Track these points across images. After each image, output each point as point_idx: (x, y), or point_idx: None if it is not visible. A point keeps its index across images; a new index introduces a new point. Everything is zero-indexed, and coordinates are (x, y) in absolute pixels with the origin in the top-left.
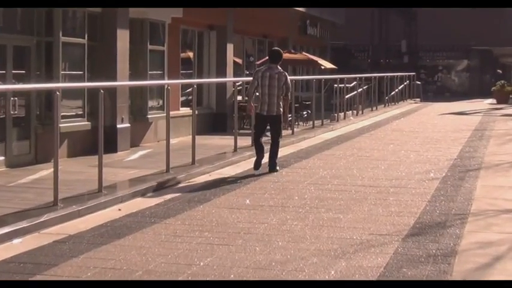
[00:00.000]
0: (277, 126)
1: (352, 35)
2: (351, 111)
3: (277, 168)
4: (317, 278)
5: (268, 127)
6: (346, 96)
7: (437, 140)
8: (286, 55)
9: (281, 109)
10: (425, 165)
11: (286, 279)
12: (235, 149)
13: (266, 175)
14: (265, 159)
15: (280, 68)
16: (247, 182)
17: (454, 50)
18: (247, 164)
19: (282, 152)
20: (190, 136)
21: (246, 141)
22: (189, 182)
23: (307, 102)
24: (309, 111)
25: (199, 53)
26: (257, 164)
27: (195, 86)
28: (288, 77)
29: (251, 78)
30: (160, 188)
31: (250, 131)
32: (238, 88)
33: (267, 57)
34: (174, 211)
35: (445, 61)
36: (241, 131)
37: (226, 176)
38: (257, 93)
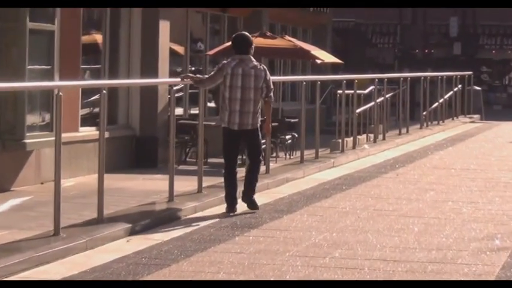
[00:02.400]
0: (255, 143)
1: (368, 8)
2: (365, 136)
3: (257, 202)
4: None
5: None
6: (358, 111)
7: (507, 184)
8: (258, 41)
9: (259, 119)
10: (486, 227)
11: None
12: (171, 197)
13: (222, 239)
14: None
15: (254, 59)
16: (190, 253)
17: None
18: (192, 222)
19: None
20: (96, 175)
21: (190, 182)
22: (88, 255)
23: (293, 120)
24: (295, 135)
25: (113, 37)
26: (231, 201)
27: (104, 91)
28: (268, 72)
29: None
30: (45, 263)
31: (196, 166)
32: (177, 95)
33: (230, 44)
34: None
35: None
36: (182, 167)
37: (156, 243)
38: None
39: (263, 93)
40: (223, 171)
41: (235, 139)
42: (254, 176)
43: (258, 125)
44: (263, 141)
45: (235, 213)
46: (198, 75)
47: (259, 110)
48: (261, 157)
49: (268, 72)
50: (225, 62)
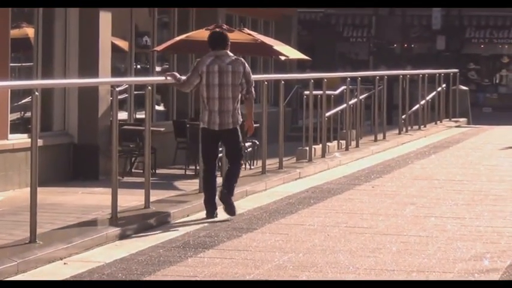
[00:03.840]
0: (235, 142)
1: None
2: (335, 142)
3: (235, 206)
4: None
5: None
6: (327, 114)
7: (497, 196)
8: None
9: (239, 117)
10: (474, 246)
11: None
12: (114, 213)
13: (173, 261)
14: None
15: (231, 54)
16: (136, 277)
17: None
18: (138, 242)
19: (202, 220)
20: (29, 189)
21: (136, 197)
22: (18, 281)
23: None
24: (256, 142)
25: (47, 30)
26: (210, 205)
27: (36, 93)
28: (247, 65)
29: (154, 78)
30: None
31: (143, 178)
32: (121, 97)
33: (181, 40)
34: None
35: None
36: (127, 179)
37: (97, 265)
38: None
39: (243, 89)
40: (202, 174)
41: (214, 140)
42: (234, 175)
43: (239, 124)
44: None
45: (215, 219)
46: (181, 77)
47: (239, 107)
48: (241, 158)
49: (247, 66)
50: (199, 60)
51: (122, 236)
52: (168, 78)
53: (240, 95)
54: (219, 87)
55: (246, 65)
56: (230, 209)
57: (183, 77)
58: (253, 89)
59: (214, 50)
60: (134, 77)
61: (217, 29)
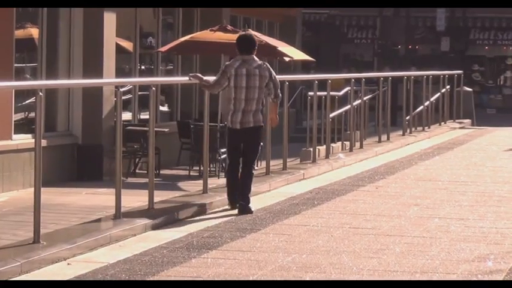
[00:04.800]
0: (253, 143)
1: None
2: (339, 144)
3: (251, 207)
4: None
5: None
6: (332, 115)
7: (501, 198)
8: (217, 36)
9: (261, 118)
10: (478, 247)
11: None
12: (118, 214)
13: (176, 262)
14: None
15: (258, 59)
16: (139, 277)
17: None
18: (141, 242)
19: (205, 221)
20: (32, 189)
21: (140, 197)
22: (22, 281)
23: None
24: (261, 143)
25: (51, 31)
26: (233, 199)
27: (41, 93)
28: (272, 70)
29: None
30: None
31: (147, 179)
32: (125, 97)
33: (186, 40)
34: None
35: None
36: (131, 180)
37: (100, 266)
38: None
39: (271, 94)
40: (227, 169)
41: (238, 139)
42: (248, 181)
43: (261, 124)
44: (223, 150)
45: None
46: (208, 78)
47: (261, 108)
48: (254, 163)
49: (272, 70)
50: (228, 63)
51: (126, 237)
52: (192, 79)
53: (263, 97)
54: (246, 89)
55: (272, 69)
56: (245, 212)
57: (210, 78)
58: (279, 93)
59: (242, 55)
60: (138, 77)
61: (247, 33)
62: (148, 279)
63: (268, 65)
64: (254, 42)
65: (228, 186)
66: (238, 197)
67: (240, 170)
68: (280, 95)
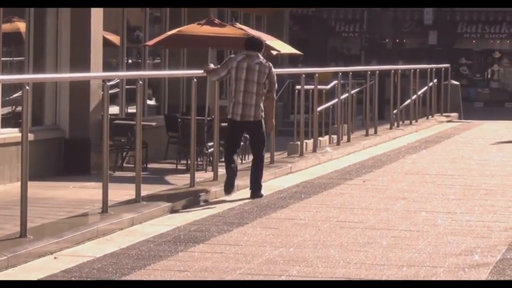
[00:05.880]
0: (258, 135)
1: None
2: (327, 137)
3: (262, 192)
4: None
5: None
6: (319, 109)
7: (488, 191)
8: (205, 29)
9: (261, 113)
10: (464, 240)
11: None
12: (105, 207)
13: (163, 256)
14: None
15: (262, 57)
16: (126, 271)
17: None
18: (128, 236)
19: (192, 215)
20: (19, 183)
21: (127, 191)
22: (9, 275)
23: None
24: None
25: (38, 24)
26: (229, 185)
27: (28, 87)
28: (273, 69)
29: (142, 73)
30: None
31: (134, 173)
32: (112, 91)
33: (172, 34)
34: None
35: (506, 43)
36: (118, 174)
37: (87, 260)
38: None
39: (266, 89)
40: (224, 158)
41: (237, 130)
42: (258, 168)
43: (261, 118)
44: (210, 143)
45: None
46: (209, 65)
47: (261, 104)
48: (263, 151)
49: (273, 70)
50: (232, 56)
51: (113, 231)
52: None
53: (263, 93)
54: (245, 82)
55: (273, 69)
56: (256, 196)
57: (211, 66)
58: (275, 92)
59: (248, 50)
60: (126, 71)
61: (255, 36)
62: (135, 273)
63: (271, 65)
64: (262, 43)
65: (227, 173)
66: (251, 182)
67: (252, 163)
68: (275, 94)
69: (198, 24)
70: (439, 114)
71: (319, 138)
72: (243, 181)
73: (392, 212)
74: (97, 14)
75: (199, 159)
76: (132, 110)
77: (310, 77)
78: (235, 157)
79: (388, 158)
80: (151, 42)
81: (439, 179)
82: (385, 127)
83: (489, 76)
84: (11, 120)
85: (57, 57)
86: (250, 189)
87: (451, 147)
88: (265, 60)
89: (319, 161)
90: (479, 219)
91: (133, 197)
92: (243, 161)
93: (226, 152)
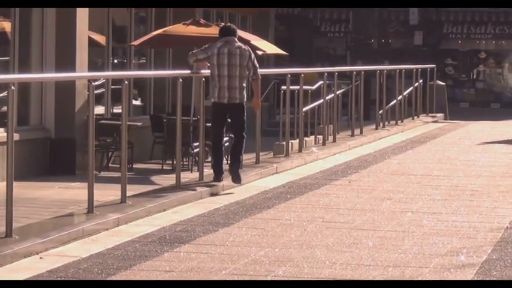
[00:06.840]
0: (240, 118)
1: None
2: (313, 137)
3: (241, 177)
4: None
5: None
6: (305, 109)
7: (474, 192)
8: (190, 29)
9: (245, 94)
10: (450, 241)
11: None
12: (91, 208)
13: (149, 256)
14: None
15: (238, 41)
16: (112, 271)
17: (510, 22)
18: (114, 237)
19: (179, 214)
20: (5, 183)
21: (112, 191)
22: None
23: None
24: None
25: (23, 25)
26: (218, 171)
27: (13, 87)
28: (252, 52)
29: (127, 73)
30: None
31: (119, 173)
32: (98, 91)
33: (159, 33)
34: None
35: (492, 43)
36: (103, 174)
37: (73, 260)
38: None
39: (250, 72)
40: (211, 144)
41: (223, 112)
42: (239, 150)
43: (244, 101)
44: (196, 144)
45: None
46: (112, 112)
47: (245, 86)
48: (244, 134)
49: (252, 53)
50: (211, 44)
51: (99, 231)
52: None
53: (247, 76)
54: (228, 67)
55: (252, 53)
56: (236, 179)
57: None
58: (258, 72)
59: (225, 37)
60: (111, 71)
61: (228, 24)
62: (121, 273)
63: (249, 48)
64: (235, 28)
65: (213, 159)
66: (230, 160)
67: (233, 142)
68: (259, 75)
69: (183, 24)
70: (425, 114)
71: (304, 139)
72: (228, 181)
73: (378, 212)
74: (82, 14)
75: (184, 160)
76: (117, 110)
77: (295, 77)
78: (222, 142)
79: (374, 159)
80: (136, 42)
81: (424, 180)
82: (370, 127)
83: (475, 77)
84: None
85: (42, 57)
86: (230, 173)
87: (436, 148)
88: (242, 45)
89: (305, 161)
90: (465, 220)
91: (119, 197)
92: (229, 161)
93: (214, 139)
